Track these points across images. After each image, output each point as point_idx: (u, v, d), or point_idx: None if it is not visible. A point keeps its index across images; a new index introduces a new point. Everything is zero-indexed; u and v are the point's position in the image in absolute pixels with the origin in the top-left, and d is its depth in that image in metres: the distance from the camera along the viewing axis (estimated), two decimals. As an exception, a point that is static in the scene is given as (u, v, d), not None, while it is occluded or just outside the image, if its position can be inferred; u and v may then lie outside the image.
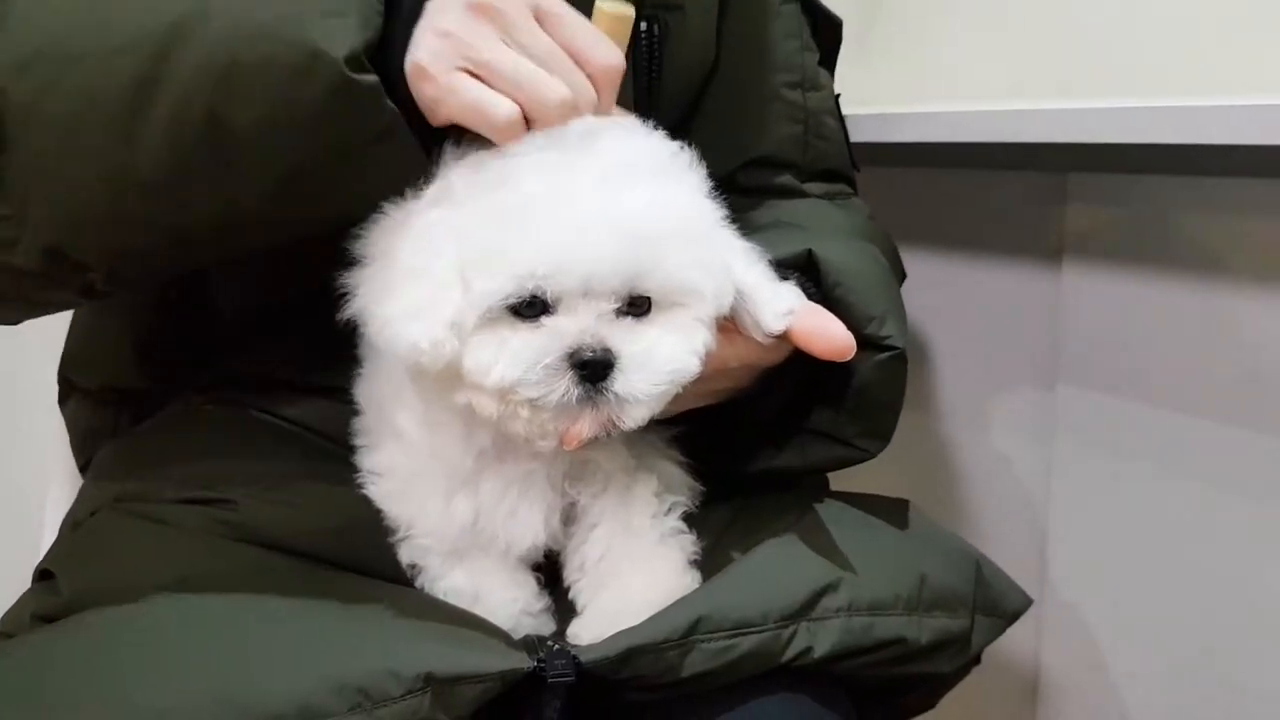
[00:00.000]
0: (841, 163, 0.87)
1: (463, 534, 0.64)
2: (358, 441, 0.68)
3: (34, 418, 0.94)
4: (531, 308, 0.57)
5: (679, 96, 0.82)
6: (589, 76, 0.60)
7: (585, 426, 0.57)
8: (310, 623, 0.58)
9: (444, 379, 0.58)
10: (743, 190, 0.84)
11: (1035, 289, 1.04)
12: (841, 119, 0.87)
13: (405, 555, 0.66)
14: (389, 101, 0.57)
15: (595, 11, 0.63)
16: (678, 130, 0.82)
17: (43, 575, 0.68)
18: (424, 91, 0.58)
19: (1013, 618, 0.72)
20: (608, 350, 0.56)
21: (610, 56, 0.60)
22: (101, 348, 0.83)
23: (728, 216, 0.63)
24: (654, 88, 0.80)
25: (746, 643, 0.60)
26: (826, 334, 0.61)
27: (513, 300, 0.56)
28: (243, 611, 0.59)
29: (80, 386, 0.86)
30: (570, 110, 0.59)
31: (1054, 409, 1.03)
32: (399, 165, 0.60)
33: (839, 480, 0.78)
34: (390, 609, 0.60)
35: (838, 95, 0.87)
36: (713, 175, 0.83)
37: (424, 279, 0.56)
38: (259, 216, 0.62)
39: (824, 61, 0.86)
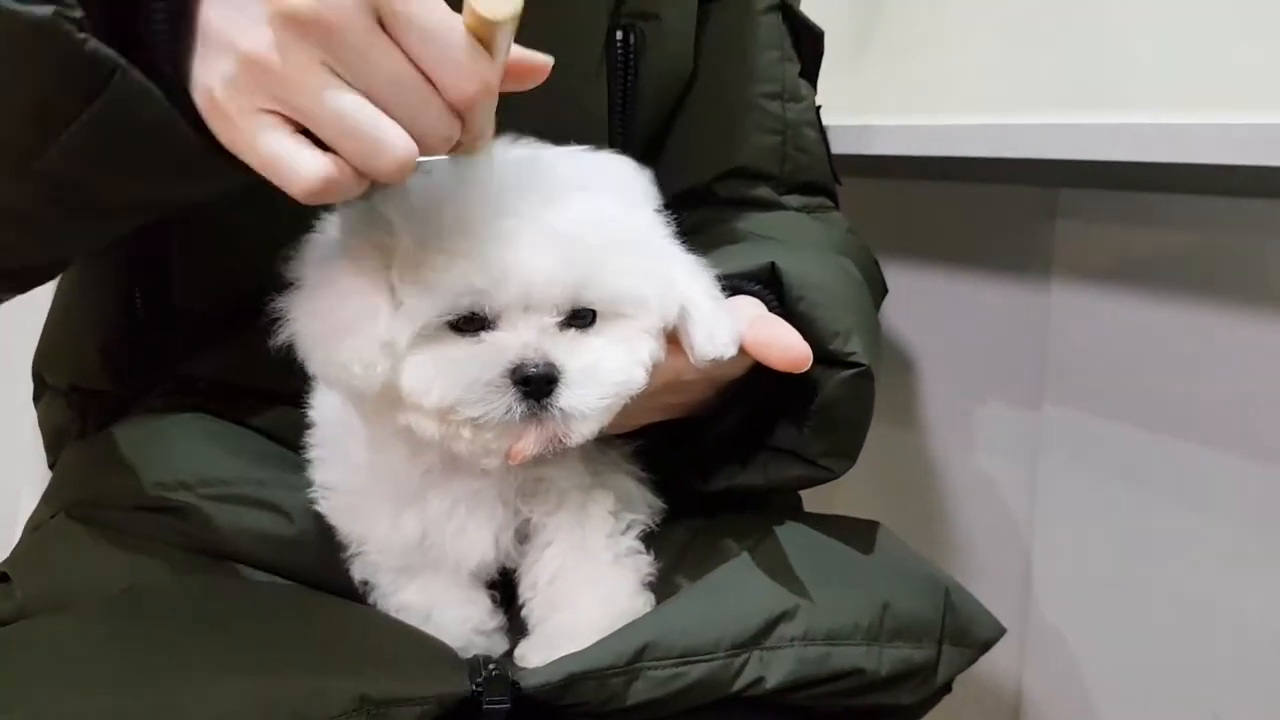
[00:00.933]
0: (821, 175, 0.85)
1: (411, 551, 0.63)
2: (309, 455, 0.67)
3: (12, 414, 0.94)
4: (471, 323, 0.55)
5: (656, 107, 0.81)
6: (448, 104, 0.47)
7: (530, 443, 0.55)
8: (248, 638, 0.57)
9: (382, 401, 0.56)
10: (720, 202, 0.83)
11: (1023, 305, 1.02)
12: (823, 131, 0.86)
13: (357, 571, 0.65)
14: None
15: (465, 7, 0.46)
16: (654, 141, 0.83)
17: (2, 578, 0.68)
18: (219, 130, 0.47)
19: (984, 647, 0.69)
20: (551, 365, 0.54)
21: (471, 78, 0.46)
22: (68, 347, 0.83)
23: (681, 232, 0.61)
24: (630, 98, 0.78)
25: (695, 671, 0.58)
26: (782, 344, 0.58)
27: (450, 316, 0.54)
28: (183, 624, 0.59)
29: (51, 385, 0.85)
30: (409, 167, 0.47)
31: (1039, 427, 1.01)
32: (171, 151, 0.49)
33: (816, 498, 0.76)
34: (333, 626, 0.59)
35: (819, 107, 0.86)
36: (690, 186, 0.83)
37: (354, 298, 0.54)
38: None
39: (805, 73, 0.85)
